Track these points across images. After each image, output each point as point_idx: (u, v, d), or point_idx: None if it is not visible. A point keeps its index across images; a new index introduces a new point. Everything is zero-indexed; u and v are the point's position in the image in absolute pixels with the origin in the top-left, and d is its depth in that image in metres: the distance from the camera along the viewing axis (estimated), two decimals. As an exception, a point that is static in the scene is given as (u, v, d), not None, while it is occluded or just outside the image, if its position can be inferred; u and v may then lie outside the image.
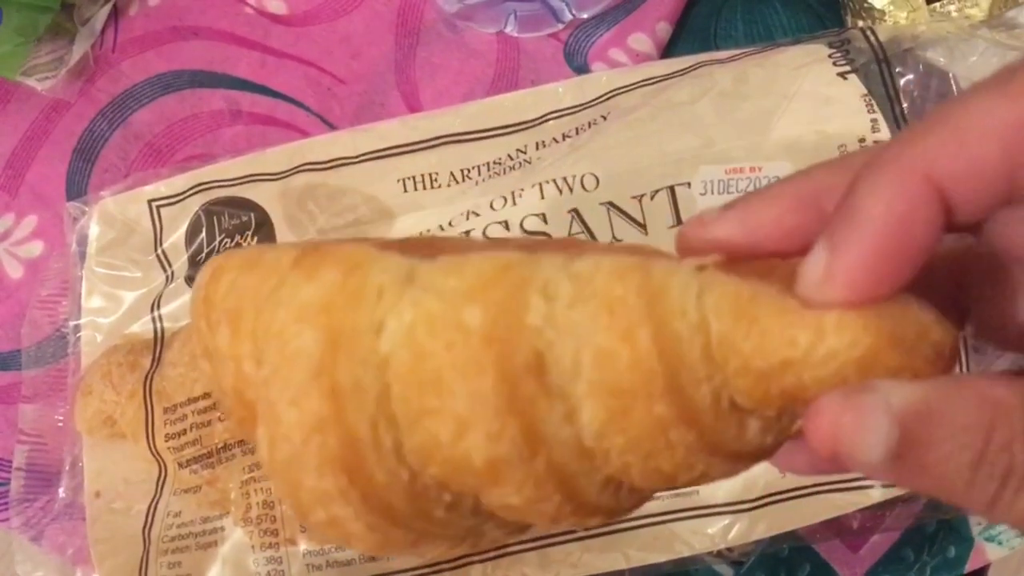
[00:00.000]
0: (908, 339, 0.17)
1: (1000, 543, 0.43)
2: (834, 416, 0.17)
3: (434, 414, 0.18)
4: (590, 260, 0.18)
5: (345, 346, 0.18)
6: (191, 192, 0.46)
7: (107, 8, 0.54)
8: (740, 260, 0.20)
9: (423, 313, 0.18)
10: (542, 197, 0.42)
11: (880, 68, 0.42)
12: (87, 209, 0.47)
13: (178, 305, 0.44)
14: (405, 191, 0.45)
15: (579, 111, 0.45)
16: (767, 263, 0.20)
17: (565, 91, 0.46)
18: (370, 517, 0.18)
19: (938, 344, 0.18)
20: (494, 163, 0.44)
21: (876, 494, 0.38)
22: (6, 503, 0.46)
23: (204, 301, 0.21)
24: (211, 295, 0.21)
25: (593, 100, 0.45)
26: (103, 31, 0.54)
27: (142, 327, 0.44)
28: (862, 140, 0.41)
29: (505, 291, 0.18)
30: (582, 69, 0.50)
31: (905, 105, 0.42)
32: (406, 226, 0.43)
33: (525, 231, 0.42)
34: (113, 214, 0.46)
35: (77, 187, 0.51)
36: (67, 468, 0.44)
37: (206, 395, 0.41)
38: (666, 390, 0.17)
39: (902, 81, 0.42)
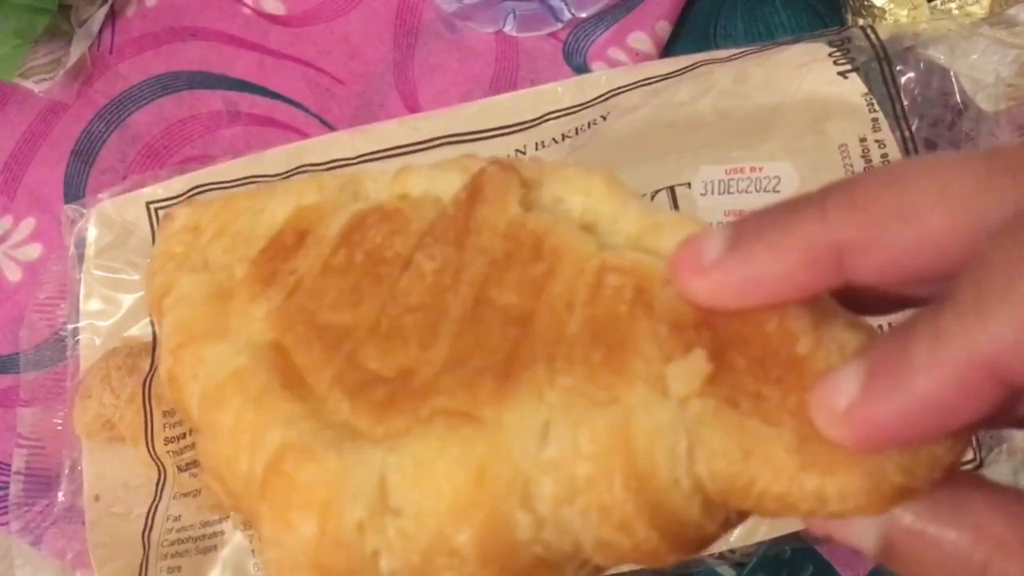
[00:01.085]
0: (915, 487, 0.16)
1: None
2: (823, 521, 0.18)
3: None
4: (566, 442, 0.17)
5: None
6: (189, 194, 0.46)
7: (104, 9, 0.54)
8: (733, 336, 0.18)
9: (414, 546, 0.17)
10: (542, 198, 0.42)
11: (881, 66, 0.42)
12: (85, 211, 0.47)
13: (177, 308, 0.44)
14: (404, 192, 0.44)
15: (579, 111, 0.45)
16: (766, 345, 0.17)
17: (564, 91, 0.45)
18: None
19: (948, 468, 0.17)
20: (493, 164, 0.44)
21: (879, 495, 0.38)
22: (5, 507, 0.46)
23: (171, 383, 0.22)
24: (180, 400, 0.21)
25: (593, 100, 0.45)
26: (100, 32, 0.54)
27: (141, 330, 0.44)
28: (863, 139, 0.40)
29: (486, 510, 0.17)
30: (581, 68, 0.50)
31: (906, 103, 0.42)
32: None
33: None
34: (111, 216, 0.46)
35: (75, 189, 0.51)
36: (66, 472, 0.44)
37: (205, 398, 0.40)
38: (672, 549, 0.18)
39: (903, 79, 0.42)
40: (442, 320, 0.19)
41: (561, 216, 0.20)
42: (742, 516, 0.18)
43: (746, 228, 0.18)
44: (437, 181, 0.22)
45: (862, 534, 0.17)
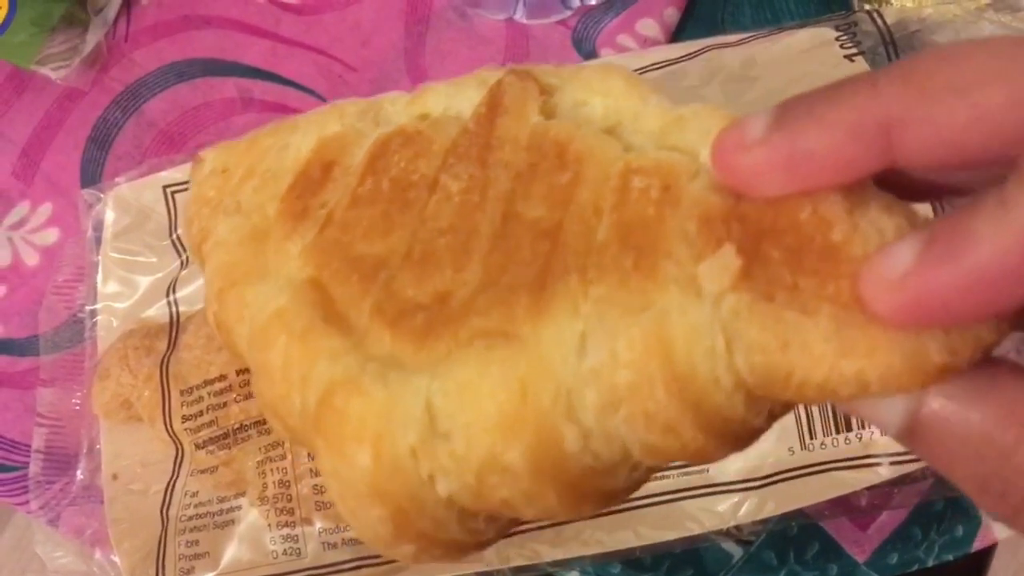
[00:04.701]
0: (957, 365, 0.16)
1: (1007, 522, 0.43)
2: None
3: (510, 514, 0.19)
4: (604, 351, 0.17)
5: (410, 510, 0.18)
6: (205, 178, 0.46)
7: (119, -2, 0.54)
8: (765, 227, 0.17)
9: (466, 467, 0.18)
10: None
11: (887, 51, 0.42)
12: (102, 196, 0.47)
13: (193, 289, 0.44)
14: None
15: (588, 96, 0.45)
16: (800, 234, 0.17)
17: (574, 76, 0.46)
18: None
19: (987, 346, 0.16)
20: (504, 148, 0.45)
21: (884, 472, 0.38)
22: (25, 487, 0.46)
23: (219, 328, 0.22)
24: (230, 343, 0.22)
25: (602, 85, 0.45)
26: (116, 21, 0.55)
27: (158, 311, 0.45)
28: (869, 122, 0.41)
29: (533, 426, 0.17)
30: (591, 55, 0.50)
31: (912, 87, 0.42)
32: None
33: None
34: (128, 200, 0.47)
35: (92, 175, 0.52)
36: (84, 451, 0.45)
37: (222, 377, 0.41)
38: (719, 446, 0.18)
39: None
40: (473, 239, 0.19)
41: (583, 120, 0.20)
42: (786, 408, 0.18)
43: (794, 104, 0.17)
44: (456, 98, 0.22)
45: (886, 413, 0.17)
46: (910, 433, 0.17)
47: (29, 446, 0.46)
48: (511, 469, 0.17)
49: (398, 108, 0.23)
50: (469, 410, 0.18)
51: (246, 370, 0.40)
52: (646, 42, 0.50)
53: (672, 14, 0.50)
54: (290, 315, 0.20)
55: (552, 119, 0.20)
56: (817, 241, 0.17)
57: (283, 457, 0.40)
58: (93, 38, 0.53)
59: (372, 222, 0.20)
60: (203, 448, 0.41)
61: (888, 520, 0.43)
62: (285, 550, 0.40)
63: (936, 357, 0.16)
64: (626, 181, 0.19)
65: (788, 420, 0.39)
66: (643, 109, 0.20)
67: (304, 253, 0.21)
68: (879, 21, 0.43)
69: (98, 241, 0.47)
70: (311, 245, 0.21)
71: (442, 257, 0.19)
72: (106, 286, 0.46)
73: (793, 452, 0.39)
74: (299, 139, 0.23)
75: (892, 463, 0.38)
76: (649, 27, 0.50)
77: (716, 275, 0.17)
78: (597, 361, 0.17)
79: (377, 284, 0.20)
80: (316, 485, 0.39)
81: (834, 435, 0.38)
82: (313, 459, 0.40)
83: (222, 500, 0.41)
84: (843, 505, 0.40)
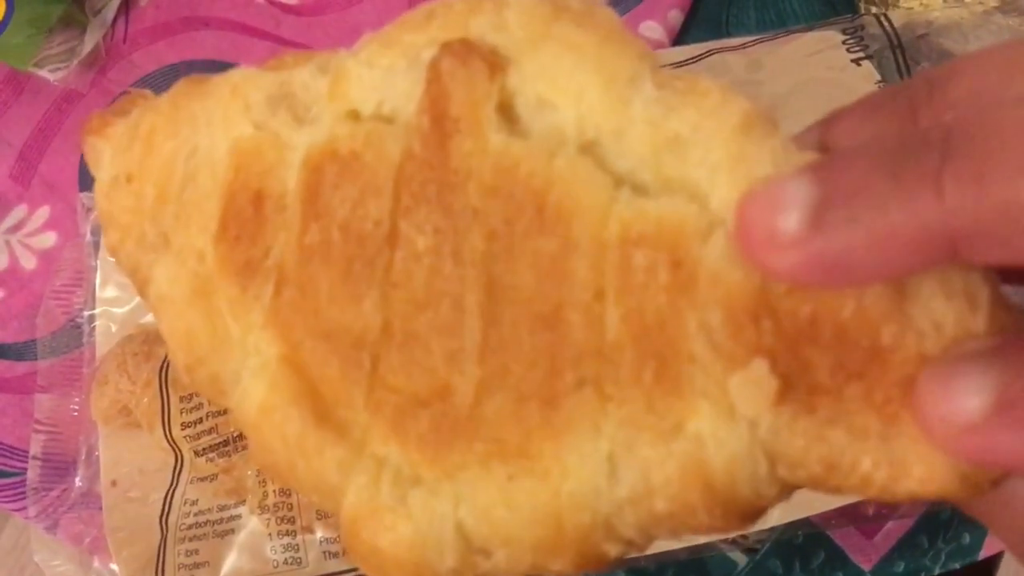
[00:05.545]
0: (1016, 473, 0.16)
1: (1014, 529, 0.43)
2: None
3: None
4: (638, 481, 0.16)
5: None
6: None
7: (118, -1, 0.54)
8: (802, 326, 0.15)
9: (513, 571, 0.18)
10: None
11: (894, 54, 0.42)
12: (101, 199, 0.47)
13: (193, 294, 0.44)
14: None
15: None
16: (843, 335, 0.15)
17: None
18: None
19: None
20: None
21: (891, 480, 0.38)
22: (22, 493, 0.46)
23: (200, 393, 0.23)
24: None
25: (606, 88, 0.45)
26: (114, 22, 0.54)
27: (157, 317, 0.44)
28: (876, 126, 0.41)
29: (575, 549, 0.17)
30: (594, 57, 0.50)
31: (919, 91, 0.42)
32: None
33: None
34: (127, 204, 0.46)
35: (90, 178, 0.51)
36: (83, 457, 0.44)
37: (222, 384, 0.41)
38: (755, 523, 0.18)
39: (916, 68, 0.42)
40: (459, 320, 0.18)
41: (553, 135, 0.17)
42: None
43: (834, 196, 0.14)
44: (388, 91, 0.19)
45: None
46: (970, 502, 0.17)
47: (27, 451, 0.46)
48: (557, 570, 0.18)
49: (314, 96, 0.20)
50: (503, 537, 0.17)
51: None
52: (649, 45, 0.49)
53: (676, 16, 0.50)
54: (278, 415, 0.19)
55: (515, 132, 0.18)
56: (863, 344, 0.15)
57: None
58: (91, 39, 0.53)
59: (333, 285, 0.19)
60: (203, 455, 0.41)
61: (894, 528, 0.42)
62: (286, 559, 0.39)
63: (995, 473, 0.15)
64: (627, 257, 0.16)
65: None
66: (626, 121, 0.17)
67: (267, 324, 0.19)
68: (886, 24, 0.42)
69: (96, 245, 0.46)
70: (271, 312, 0.19)
71: (429, 341, 0.18)
72: (104, 291, 0.45)
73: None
74: (206, 142, 0.20)
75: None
76: (652, 30, 0.49)
77: (751, 397, 0.16)
78: (631, 490, 0.17)
79: (362, 370, 0.18)
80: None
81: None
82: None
83: (222, 508, 0.40)
84: (849, 513, 0.40)
